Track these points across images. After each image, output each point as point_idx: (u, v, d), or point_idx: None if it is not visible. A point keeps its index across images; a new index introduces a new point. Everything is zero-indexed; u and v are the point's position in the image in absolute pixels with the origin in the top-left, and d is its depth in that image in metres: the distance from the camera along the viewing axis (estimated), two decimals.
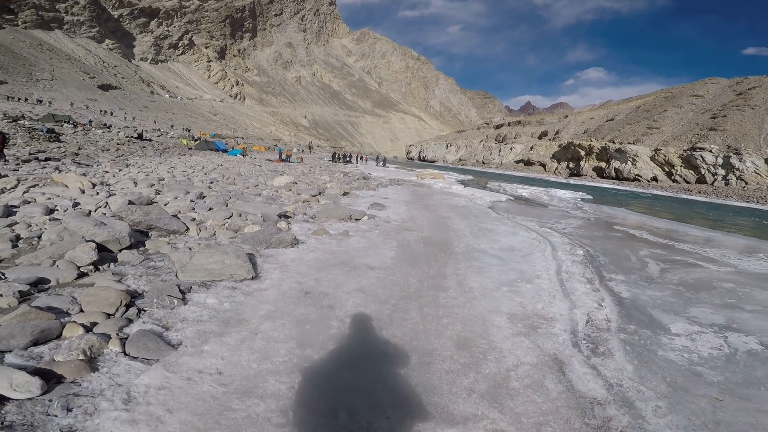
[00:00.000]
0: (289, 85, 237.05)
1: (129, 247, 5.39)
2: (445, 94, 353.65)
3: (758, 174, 51.97)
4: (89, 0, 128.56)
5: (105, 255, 4.98)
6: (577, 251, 8.08)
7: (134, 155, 21.31)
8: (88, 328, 3.08)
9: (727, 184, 53.90)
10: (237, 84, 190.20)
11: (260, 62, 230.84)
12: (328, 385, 2.74)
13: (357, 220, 8.36)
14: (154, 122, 70.16)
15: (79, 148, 20.49)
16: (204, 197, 8.84)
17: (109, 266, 4.72)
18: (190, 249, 5.52)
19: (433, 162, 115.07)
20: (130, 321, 3.32)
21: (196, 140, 42.71)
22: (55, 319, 3.12)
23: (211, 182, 12.00)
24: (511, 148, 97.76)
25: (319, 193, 11.74)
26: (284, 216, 7.75)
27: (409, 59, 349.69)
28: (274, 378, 2.73)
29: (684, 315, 5.04)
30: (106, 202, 7.33)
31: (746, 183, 52.02)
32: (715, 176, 56.03)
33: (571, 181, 64.81)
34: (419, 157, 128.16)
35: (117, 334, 3.04)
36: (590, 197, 26.04)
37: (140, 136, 34.89)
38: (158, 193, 8.94)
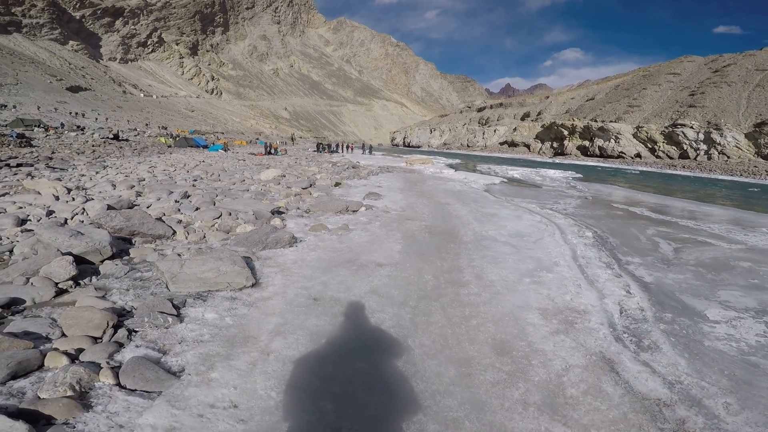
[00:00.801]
0: (267, 78, 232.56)
1: (111, 257, 4.86)
2: (425, 80, 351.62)
3: (739, 148, 52.89)
4: (48, 2, 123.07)
5: (85, 268, 4.46)
6: (585, 233, 7.80)
7: (111, 156, 20.32)
8: (73, 357, 2.66)
9: (709, 158, 54.78)
10: (212, 79, 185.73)
11: (235, 56, 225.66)
12: (363, 415, 2.32)
13: (354, 211, 7.90)
14: (128, 122, 67.81)
15: (53, 152, 19.42)
16: (189, 196, 8.25)
17: (90, 280, 4.21)
18: (179, 255, 5.02)
19: (418, 147, 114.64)
20: (120, 345, 2.88)
21: (175, 138, 41.36)
22: (33, 348, 2.68)
23: (195, 180, 11.36)
24: (494, 131, 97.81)
25: (310, 185, 11.22)
26: (277, 212, 7.24)
27: (388, 46, 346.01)
28: (299, 407, 2.30)
29: (715, 299, 4.76)
30: (83, 209, 6.71)
31: (728, 157, 52.93)
32: (698, 151, 56.89)
33: (557, 160, 65.15)
34: (404, 143, 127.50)
35: (108, 363, 2.60)
36: (580, 176, 26.00)
37: (116, 137, 33.52)
38: (139, 195, 8.32)
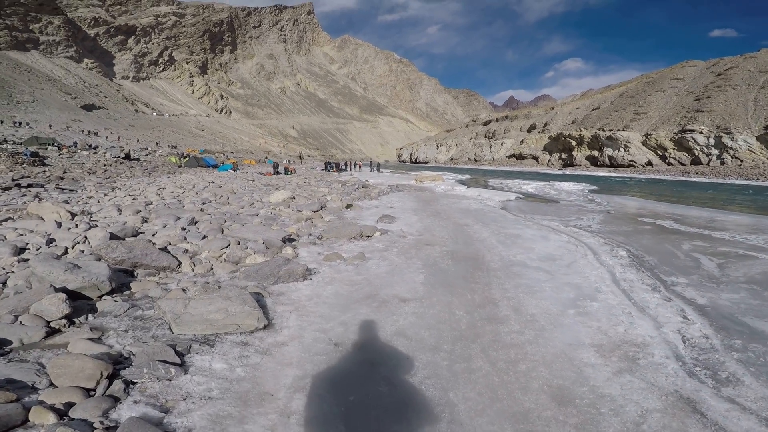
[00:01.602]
0: (274, 96, 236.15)
1: (111, 292, 4.46)
2: (430, 95, 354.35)
3: (752, 151, 51.93)
4: (63, 20, 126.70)
5: (81, 304, 4.06)
6: (619, 252, 7.25)
7: (122, 176, 20.25)
8: (62, 413, 2.27)
9: (722, 163, 53.81)
10: (221, 98, 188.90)
11: (243, 75, 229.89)
12: None
13: (369, 237, 7.44)
14: (138, 141, 68.62)
15: (65, 172, 19.41)
16: (196, 222, 7.87)
17: (86, 318, 3.81)
18: (184, 292, 4.60)
19: (425, 163, 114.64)
20: (116, 400, 2.47)
21: (185, 157, 41.61)
22: (16, 401, 2.31)
23: (203, 203, 11.02)
24: (501, 144, 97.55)
25: (321, 208, 10.82)
26: (289, 240, 6.81)
27: (392, 62, 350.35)
28: None
29: None
30: (85, 237, 6.35)
31: (741, 161, 51.94)
32: (710, 156, 55.96)
33: (567, 171, 64.42)
34: (411, 159, 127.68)
35: (101, 422, 2.20)
36: (595, 187, 25.37)
37: (128, 156, 33.75)
38: (145, 221, 7.96)
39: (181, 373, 2.79)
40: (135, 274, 5.26)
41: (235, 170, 33.15)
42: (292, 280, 4.96)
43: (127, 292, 4.61)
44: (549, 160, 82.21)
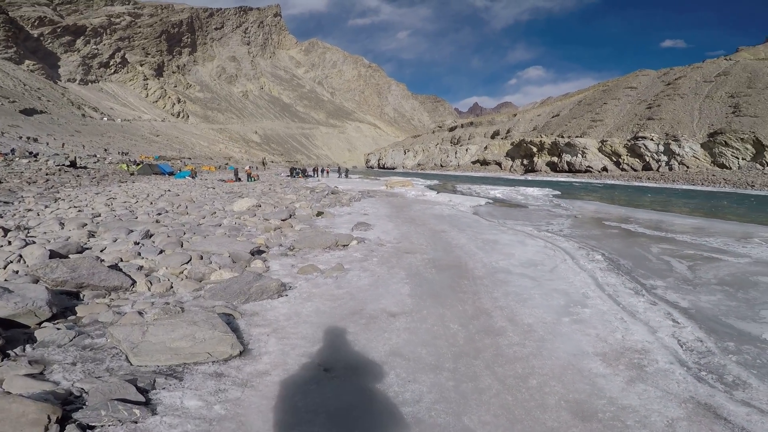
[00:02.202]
0: (236, 100, 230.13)
1: (52, 318, 3.84)
2: (398, 101, 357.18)
3: (696, 158, 55.54)
4: (4, 19, 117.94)
5: (16, 334, 3.43)
6: (595, 257, 7.26)
7: (66, 186, 18.70)
8: None
9: (670, 169, 57.19)
10: (179, 102, 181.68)
11: (202, 78, 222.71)
12: None
13: (345, 246, 7.03)
14: (84, 147, 64.39)
15: (0, 182, 17.67)
16: (152, 235, 7.18)
17: (24, 350, 3.21)
18: (140, 315, 4.04)
19: (393, 169, 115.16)
20: None
21: (138, 164, 39.39)
22: None
23: (159, 213, 10.21)
24: (466, 150, 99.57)
25: (290, 216, 10.28)
26: (257, 252, 6.28)
27: (361, 67, 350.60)
28: None
29: (762, 321, 4.53)
30: (20, 256, 5.58)
31: (687, 167, 55.43)
32: (659, 162, 59.36)
33: (528, 177, 66.48)
34: (379, 164, 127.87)
35: None
36: (558, 192, 26.11)
37: (73, 164, 31.39)
38: (92, 236, 7.17)
39: (148, 414, 2.33)
40: (81, 296, 4.62)
41: (193, 177, 31.67)
42: (265, 298, 4.49)
43: (73, 318, 4.01)
44: (511, 166, 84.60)
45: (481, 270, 5.77)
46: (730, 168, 51.62)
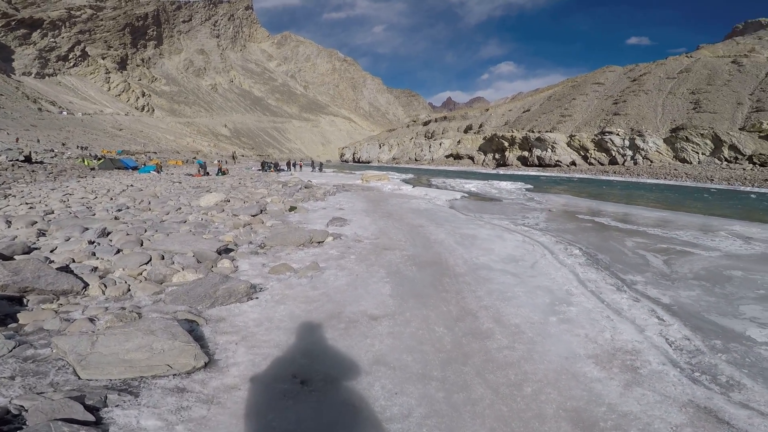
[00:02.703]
0: (205, 94, 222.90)
1: None
2: (373, 95, 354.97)
3: (660, 153, 57.70)
4: None
5: None
6: (573, 251, 7.22)
7: (20, 182, 17.43)
8: None
9: (635, 163, 59.23)
10: (143, 95, 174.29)
11: (169, 71, 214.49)
12: None
13: (320, 243, 6.69)
14: (39, 141, 60.75)
15: None
16: (109, 234, 6.63)
17: None
18: (92, 322, 3.63)
19: (368, 163, 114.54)
20: None
21: (99, 159, 37.44)
22: None
23: (120, 210, 9.56)
24: (440, 144, 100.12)
25: (261, 212, 9.82)
26: (225, 250, 5.87)
27: (335, 61, 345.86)
28: None
29: (743, 317, 4.56)
30: None
31: (651, 161, 57.54)
32: (625, 157, 61.37)
33: (500, 171, 67.41)
34: (353, 158, 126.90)
35: None
36: (530, 186, 26.47)
37: (28, 159, 29.46)
38: (42, 235, 6.56)
39: None
40: (25, 301, 4.15)
41: (158, 172, 30.33)
42: (233, 301, 4.13)
43: (13, 326, 3.59)
44: (484, 160, 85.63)
45: (463, 267, 5.58)
46: (691, 162, 53.93)
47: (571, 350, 3.35)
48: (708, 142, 53.10)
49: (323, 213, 10.21)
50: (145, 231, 7.00)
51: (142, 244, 5.99)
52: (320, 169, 46.79)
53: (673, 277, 6.03)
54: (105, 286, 4.48)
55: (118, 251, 5.61)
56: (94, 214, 9.00)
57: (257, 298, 4.21)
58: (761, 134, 49.38)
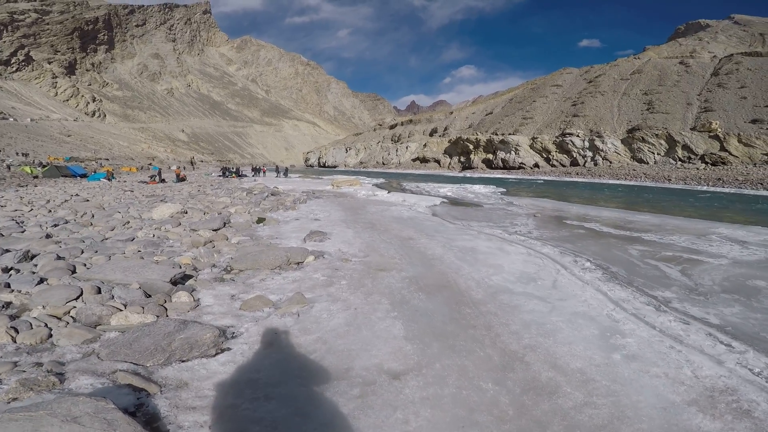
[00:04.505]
0: (160, 98, 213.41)
1: None
2: (338, 98, 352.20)
3: (618, 154, 59.84)
4: None
5: None
6: (585, 264, 6.53)
7: None
8: None
9: (595, 164, 61.11)
10: (94, 101, 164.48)
11: (121, 75, 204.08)
12: None
13: (300, 264, 5.60)
14: None
15: None
16: (33, 257, 5.28)
17: None
18: None
19: (334, 167, 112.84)
20: None
21: (44, 167, 34.29)
22: None
23: (56, 225, 8.05)
24: (406, 147, 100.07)
25: (225, 225, 8.56)
26: (181, 278, 4.67)
27: (298, 65, 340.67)
28: None
29: None
30: None
31: (611, 162, 59.54)
32: (585, 158, 63.25)
33: (467, 174, 67.87)
34: (319, 163, 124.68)
35: None
36: (503, 189, 26.20)
37: None
38: None
39: None
40: None
41: (110, 179, 27.91)
42: (197, 355, 3.03)
43: None
44: (450, 163, 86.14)
45: (477, 290, 4.67)
46: (648, 163, 56.20)
47: (663, 398, 2.64)
48: (663, 142, 55.53)
49: (297, 225, 9.05)
50: (82, 252, 5.67)
51: (74, 272, 4.71)
52: (285, 174, 45.06)
53: (702, 291, 5.46)
54: (16, 330, 3.29)
55: (41, 281, 4.34)
56: (23, 231, 7.51)
57: (230, 349, 3.12)
58: (711, 134, 52.15)
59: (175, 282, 4.40)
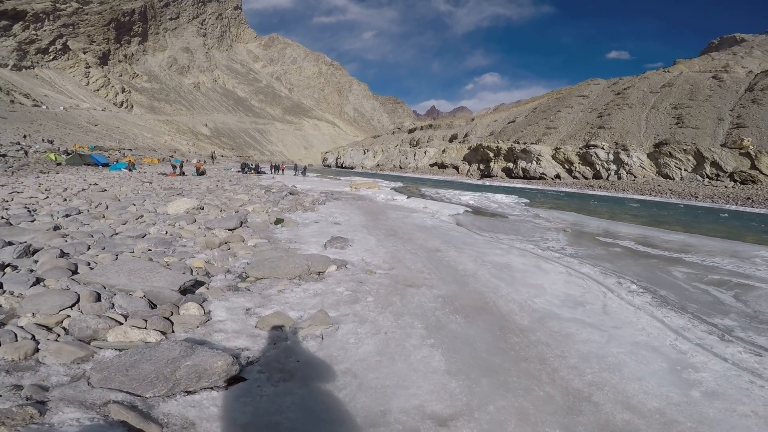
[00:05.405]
0: (186, 92, 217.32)
1: None
2: (358, 100, 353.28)
3: (643, 168, 58.00)
4: None
5: None
6: (630, 287, 5.91)
7: None
8: None
9: (619, 178, 59.36)
10: (123, 91, 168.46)
11: (151, 68, 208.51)
12: None
13: (321, 274, 5.12)
14: (4, 133, 56.97)
15: None
16: (34, 252, 4.93)
17: None
18: None
19: (351, 168, 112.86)
20: None
21: (68, 154, 34.86)
22: None
23: (68, 215, 7.77)
24: (425, 152, 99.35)
25: (241, 224, 8.16)
26: (192, 286, 4.24)
27: (322, 65, 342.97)
28: None
29: None
30: None
31: (635, 177, 57.74)
32: (609, 171, 61.50)
33: (486, 182, 66.78)
34: (336, 163, 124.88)
35: None
36: (526, 200, 25.37)
37: None
38: None
39: None
40: None
41: (130, 170, 28.09)
42: (205, 386, 2.56)
43: None
44: (468, 170, 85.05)
45: (521, 314, 4.12)
46: (674, 179, 54.33)
47: None
48: (690, 158, 53.61)
49: (317, 228, 8.60)
50: (88, 249, 5.31)
51: (75, 272, 4.32)
52: (304, 174, 44.94)
53: (763, 319, 4.95)
54: None
55: (37, 281, 3.95)
56: (33, 220, 7.24)
57: (245, 379, 2.66)
58: (741, 151, 50.13)
59: (184, 291, 3.96)
